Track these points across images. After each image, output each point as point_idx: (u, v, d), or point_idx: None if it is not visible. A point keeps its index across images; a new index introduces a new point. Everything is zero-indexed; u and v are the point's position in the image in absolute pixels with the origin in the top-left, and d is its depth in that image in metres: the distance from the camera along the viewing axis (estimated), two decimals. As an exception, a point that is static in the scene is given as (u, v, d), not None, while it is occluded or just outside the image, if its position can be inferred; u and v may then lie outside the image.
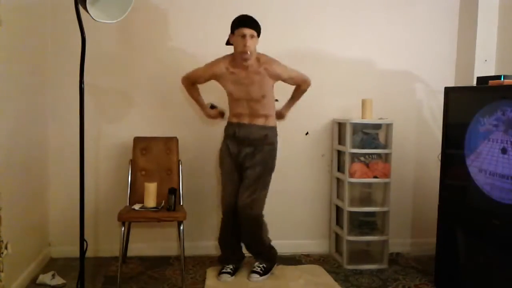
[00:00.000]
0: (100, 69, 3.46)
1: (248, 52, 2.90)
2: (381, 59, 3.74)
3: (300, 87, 3.21)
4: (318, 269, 3.37)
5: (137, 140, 3.40)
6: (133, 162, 3.36)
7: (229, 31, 3.01)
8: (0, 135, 2.62)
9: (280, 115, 3.30)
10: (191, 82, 3.19)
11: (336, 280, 3.18)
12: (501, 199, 2.53)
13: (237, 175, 3.14)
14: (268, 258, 3.24)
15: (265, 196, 3.14)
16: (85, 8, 2.29)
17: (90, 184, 3.45)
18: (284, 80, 3.11)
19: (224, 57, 3.07)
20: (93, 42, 2.67)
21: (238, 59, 2.98)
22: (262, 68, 3.00)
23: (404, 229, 3.82)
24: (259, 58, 3.01)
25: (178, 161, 3.41)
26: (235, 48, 2.98)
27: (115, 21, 2.40)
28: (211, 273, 3.24)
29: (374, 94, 3.57)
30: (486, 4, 3.52)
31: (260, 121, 3.08)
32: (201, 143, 3.62)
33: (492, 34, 3.54)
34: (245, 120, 3.08)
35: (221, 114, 3.35)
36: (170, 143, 3.42)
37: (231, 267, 3.21)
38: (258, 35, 2.98)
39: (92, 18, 2.30)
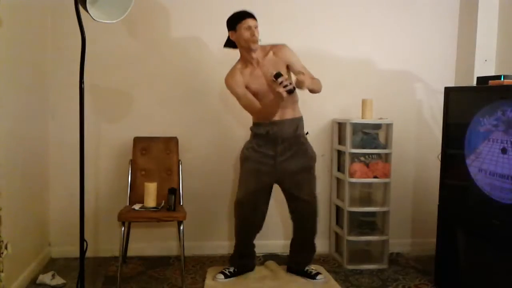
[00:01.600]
0: (100, 69, 3.46)
1: (257, 44, 2.87)
2: (381, 59, 3.74)
3: (319, 87, 3.04)
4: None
5: (137, 140, 3.40)
6: (133, 162, 3.36)
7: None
8: (0, 135, 2.62)
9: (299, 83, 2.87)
10: (257, 106, 2.96)
11: (336, 280, 3.18)
12: (501, 199, 2.53)
13: (266, 173, 3.03)
14: (311, 259, 3.27)
15: (315, 186, 3.15)
16: (85, 8, 2.29)
17: (90, 184, 3.45)
18: (290, 65, 3.00)
19: (233, 67, 3.01)
20: (93, 42, 2.67)
21: (246, 56, 2.95)
22: (271, 52, 2.98)
23: (404, 229, 3.82)
24: (263, 48, 2.99)
25: (178, 161, 3.41)
26: (241, 44, 2.92)
27: (115, 21, 2.39)
28: (211, 273, 3.23)
29: (374, 94, 3.57)
30: (486, 4, 3.52)
31: (289, 114, 3.01)
32: (201, 143, 3.62)
33: (492, 34, 3.54)
34: (276, 117, 2.98)
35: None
36: (170, 143, 3.42)
37: (232, 270, 3.19)
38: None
39: (92, 18, 2.30)
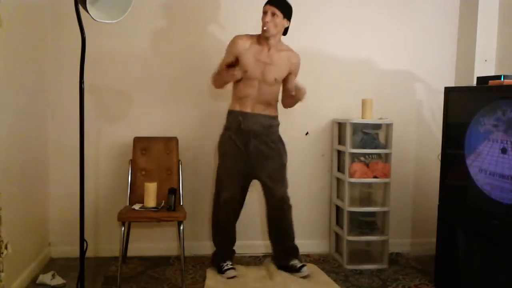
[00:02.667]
0: (100, 69, 3.46)
1: (265, 28, 2.93)
2: (381, 59, 3.74)
3: (290, 99, 3.14)
4: (315, 268, 3.37)
5: (137, 140, 3.40)
6: (133, 162, 3.36)
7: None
8: (0, 135, 2.62)
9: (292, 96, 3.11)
10: (219, 68, 3.10)
11: (336, 280, 3.18)
12: (501, 199, 2.53)
13: (243, 169, 3.12)
14: (297, 254, 3.29)
15: (288, 185, 3.21)
16: (85, 8, 2.28)
17: (90, 184, 3.45)
18: (290, 75, 3.09)
19: (250, 35, 3.08)
20: (93, 42, 2.67)
21: (262, 37, 3.03)
22: (285, 53, 3.06)
23: (404, 229, 3.82)
24: (283, 45, 3.08)
25: (178, 161, 3.41)
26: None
27: (115, 21, 2.39)
28: (211, 273, 3.23)
29: (374, 94, 3.57)
30: (486, 4, 3.52)
31: (262, 109, 3.08)
32: (201, 143, 3.62)
33: (492, 34, 3.55)
34: (248, 109, 3.07)
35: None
36: (170, 143, 3.42)
37: (231, 263, 3.22)
38: (285, 16, 2.98)
39: (92, 18, 2.30)
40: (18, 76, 2.92)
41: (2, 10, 2.49)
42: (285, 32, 3.10)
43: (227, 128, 3.16)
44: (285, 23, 3.02)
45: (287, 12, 3.01)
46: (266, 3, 2.98)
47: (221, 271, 3.19)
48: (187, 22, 3.56)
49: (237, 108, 3.11)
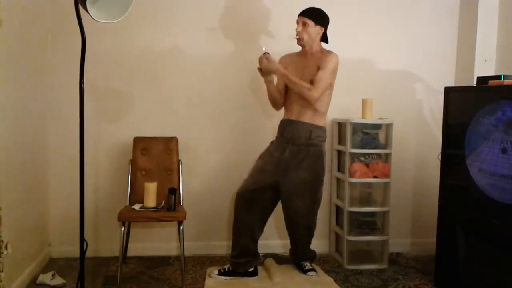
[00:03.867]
0: (100, 69, 3.46)
1: (298, 37, 3.04)
2: (381, 59, 3.75)
3: (297, 90, 3.06)
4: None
5: (137, 140, 3.40)
6: (133, 162, 3.36)
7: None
8: (0, 135, 2.62)
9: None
10: (274, 102, 3.21)
11: (336, 280, 3.18)
12: (501, 199, 2.53)
13: (268, 173, 3.08)
14: (311, 257, 3.33)
15: (317, 206, 3.17)
16: (85, 8, 2.28)
17: (90, 184, 3.45)
18: (319, 68, 3.04)
19: (293, 53, 3.20)
20: (93, 42, 2.67)
21: (302, 48, 3.13)
22: (321, 55, 3.08)
23: (404, 229, 3.82)
24: (323, 50, 3.12)
25: (178, 161, 3.41)
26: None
27: (115, 21, 2.39)
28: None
29: (374, 94, 3.57)
30: (486, 4, 3.52)
31: (307, 118, 3.07)
32: (201, 143, 3.62)
33: (492, 34, 3.55)
34: (293, 116, 3.10)
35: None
36: (170, 143, 3.42)
37: (227, 267, 3.19)
38: (317, 23, 3.05)
39: (92, 18, 2.30)
40: (18, 76, 2.92)
41: (2, 10, 2.49)
42: (324, 38, 3.15)
43: (276, 135, 3.22)
44: (318, 30, 3.07)
45: (318, 19, 3.07)
46: (298, 15, 3.08)
47: (223, 269, 3.19)
48: (187, 22, 3.55)
49: (285, 116, 3.17)
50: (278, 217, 3.59)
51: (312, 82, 3.01)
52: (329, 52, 3.09)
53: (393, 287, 3.13)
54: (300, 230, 3.21)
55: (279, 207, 3.22)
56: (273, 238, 3.63)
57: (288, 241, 3.36)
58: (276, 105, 3.23)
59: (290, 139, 3.08)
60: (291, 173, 3.06)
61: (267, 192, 3.12)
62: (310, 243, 3.29)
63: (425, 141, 3.78)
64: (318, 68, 3.03)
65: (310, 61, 3.09)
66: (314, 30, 3.06)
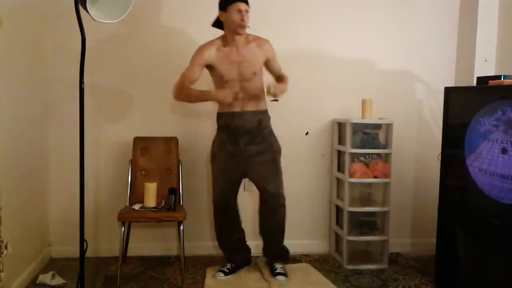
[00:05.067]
0: (100, 69, 3.46)
1: (245, 29, 2.90)
2: (381, 59, 3.74)
3: (281, 78, 3.04)
4: (309, 268, 3.39)
5: (137, 140, 3.40)
6: (133, 162, 3.36)
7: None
8: (0, 135, 2.62)
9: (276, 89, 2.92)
10: (187, 87, 2.98)
11: (336, 280, 3.18)
12: (501, 199, 2.53)
13: (233, 170, 3.09)
14: (285, 258, 3.28)
15: (282, 181, 3.14)
16: (85, 8, 2.29)
17: (90, 184, 3.45)
18: (269, 60, 3.04)
19: (213, 40, 3.02)
20: (93, 42, 2.67)
21: (229, 37, 2.96)
22: (254, 43, 2.99)
23: (404, 229, 3.82)
24: (248, 35, 3.00)
25: (178, 161, 3.41)
26: (228, 25, 2.94)
27: (115, 21, 2.39)
28: (210, 273, 3.24)
29: (374, 94, 3.57)
30: (486, 4, 3.52)
31: (251, 106, 3.02)
32: (201, 143, 3.62)
33: (492, 34, 3.54)
34: (237, 108, 3.01)
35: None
36: (170, 143, 3.42)
37: (229, 266, 3.22)
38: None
39: (92, 18, 2.30)
40: (18, 76, 2.92)
41: (2, 10, 2.49)
42: (219, 24, 3.02)
43: (217, 130, 3.14)
44: None
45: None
46: (239, 0, 2.87)
47: (227, 269, 3.21)
48: (187, 22, 3.55)
49: (225, 109, 3.04)
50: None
51: (255, 73, 2.99)
52: (262, 39, 3.02)
53: (393, 287, 3.13)
54: (275, 213, 3.12)
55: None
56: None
57: (289, 241, 3.34)
58: (181, 100, 3.10)
59: (241, 131, 3.01)
60: (254, 161, 3.05)
61: (237, 186, 3.18)
62: (284, 234, 3.20)
63: (425, 141, 3.78)
64: (266, 60, 3.00)
65: (245, 52, 2.96)
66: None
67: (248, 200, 3.57)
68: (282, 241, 3.25)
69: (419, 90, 3.80)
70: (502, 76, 2.73)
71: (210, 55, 2.98)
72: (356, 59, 3.71)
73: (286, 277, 3.13)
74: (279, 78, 3.09)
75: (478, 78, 2.96)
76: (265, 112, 3.11)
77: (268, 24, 3.51)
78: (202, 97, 2.99)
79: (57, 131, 3.48)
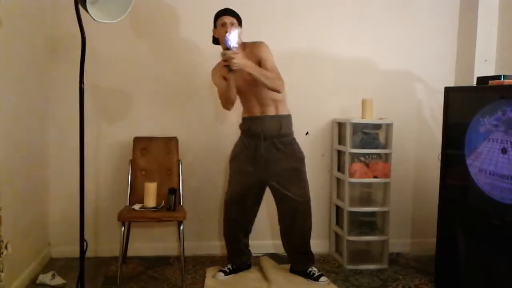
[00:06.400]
0: (100, 69, 3.46)
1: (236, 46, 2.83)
2: (381, 59, 3.74)
3: (271, 84, 2.92)
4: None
5: (137, 140, 3.40)
6: (133, 162, 3.36)
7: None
8: (0, 135, 2.62)
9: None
10: (232, 101, 3.02)
11: (336, 280, 3.18)
12: (501, 199, 2.53)
13: (251, 173, 3.04)
14: (312, 259, 3.24)
15: (308, 188, 3.10)
16: (85, 8, 2.29)
17: (90, 184, 3.45)
18: (261, 61, 2.95)
19: (219, 63, 3.01)
20: (93, 42, 2.67)
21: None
22: (248, 50, 2.97)
23: (404, 229, 3.82)
24: (245, 45, 2.99)
25: (178, 161, 3.41)
26: (220, 40, 2.98)
27: (115, 21, 2.39)
28: (210, 273, 3.24)
29: (374, 94, 3.57)
30: (486, 4, 3.52)
31: (271, 110, 3.02)
32: (201, 143, 3.62)
33: (492, 34, 3.54)
34: (256, 113, 3.03)
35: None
36: (170, 143, 3.42)
37: (230, 267, 3.22)
38: (240, 24, 2.98)
39: (92, 18, 2.30)
40: (18, 76, 2.92)
41: (2, 10, 2.49)
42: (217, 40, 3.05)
43: (241, 134, 3.15)
44: (241, 30, 2.95)
45: (240, 20, 2.99)
46: (222, 14, 2.96)
47: (228, 269, 3.22)
48: (187, 22, 3.56)
49: (246, 114, 3.10)
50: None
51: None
52: (254, 43, 2.99)
53: (393, 287, 3.13)
54: (300, 222, 3.09)
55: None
56: (274, 238, 3.62)
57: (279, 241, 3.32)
58: (231, 104, 3.04)
59: (261, 135, 3.01)
60: (273, 168, 3.02)
61: (253, 191, 3.12)
62: (310, 238, 3.18)
63: (425, 141, 3.78)
64: (258, 60, 2.92)
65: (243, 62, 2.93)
66: (240, 30, 2.93)
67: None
68: (309, 245, 3.21)
69: (419, 90, 3.80)
70: (502, 76, 2.73)
71: (218, 73, 3.04)
72: (356, 59, 3.71)
73: (327, 277, 3.14)
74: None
75: (478, 78, 2.96)
76: (286, 117, 3.08)
77: (268, 24, 3.51)
78: (228, 83, 2.96)
79: (57, 131, 3.48)
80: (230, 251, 3.28)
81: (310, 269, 3.17)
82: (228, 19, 2.93)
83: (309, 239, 3.18)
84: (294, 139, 3.11)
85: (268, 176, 3.05)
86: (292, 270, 3.25)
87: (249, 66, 2.81)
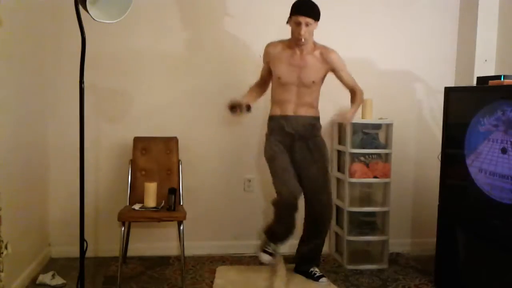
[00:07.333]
0: (100, 69, 3.46)
1: (303, 40, 2.88)
2: (381, 59, 3.74)
3: (354, 93, 3.04)
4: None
5: (137, 140, 3.40)
6: (133, 162, 3.36)
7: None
8: (0, 135, 2.62)
9: (343, 117, 3.00)
10: (256, 82, 3.10)
11: (336, 280, 3.18)
12: (501, 199, 2.53)
13: (293, 172, 2.99)
14: (318, 261, 3.27)
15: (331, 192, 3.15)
16: (85, 8, 2.29)
17: (90, 184, 3.45)
18: (336, 71, 3.01)
19: (282, 40, 3.01)
20: (93, 42, 2.67)
21: (293, 41, 2.95)
22: (318, 51, 2.98)
23: (404, 229, 3.82)
24: (315, 44, 3.00)
25: (178, 161, 3.41)
26: (291, 34, 2.94)
27: (115, 21, 2.39)
28: (220, 272, 3.24)
29: (374, 94, 3.57)
30: (486, 4, 3.52)
31: (304, 111, 3.02)
32: (201, 143, 3.62)
33: (492, 34, 3.54)
34: (290, 112, 3.00)
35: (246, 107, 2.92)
36: (170, 143, 3.42)
37: (273, 248, 3.09)
38: (317, 20, 2.90)
39: (92, 18, 2.30)
40: (18, 76, 2.92)
41: (2, 10, 2.49)
42: None
43: (270, 133, 3.07)
44: (316, 25, 2.93)
45: (318, 16, 2.92)
46: (299, 13, 2.84)
47: (261, 249, 3.10)
48: (187, 21, 3.55)
49: (278, 112, 3.04)
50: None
51: (314, 82, 2.99)
52: (328, 48, 3.01)
53: (393, 287, 3.13)
54: (326, 223, 3.12)
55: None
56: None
57: (288, 241, 3.32)
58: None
59: (295, 134, 3.02)
60: (308, 169, 3.03)
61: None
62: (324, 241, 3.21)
63: (425, 141, 3.78)
64: (330, 69, 2.99)
65: (309, 59, 2.98)
66: (314, 27, 2.92)
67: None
68: (323, 243, 3.22)
69: (419, 90, 3.80)
70: (502, 76, 2.73)
71: (273, 52, 3.01)
72: (356, 59, 3.70)
73: (327, 278, 3.14)
74: (352, 92, 3.05)
75: (478, 78, 2.96)
76: (317, 119, 3.10)
77: (268, 24, 3.51)
78: (255, 93, 3.14)
79: (57, 131, 3.48)
80: (275, 235, 3.08)
81: (312, 269, 3.18)
82: (303, 20, 2.83)
83: (324, 242, 3.22)
84: (323, 141, 3.13)
85: (302, 176, 3.03)
86: (297, 270, 3.26)
87: (354, 111, 2.98)
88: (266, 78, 3.12)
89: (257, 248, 3.18)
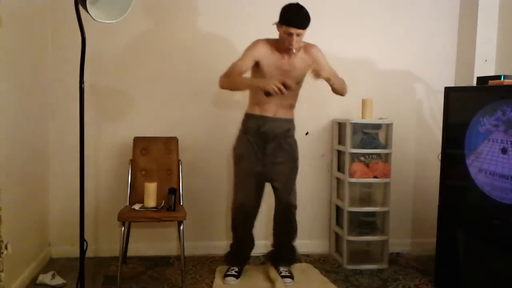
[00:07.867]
0: (100, 69, 3.46)
1: (294, 50, 2.88)
2: (381, 59, 3.74)
3: (334, 89, 3.00)
4: (309, 268, 3.40)
5: (137, 140, 3.40)
6: (133, 162, 3.36)
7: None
8: (0, 135, 2.62)
9: (317, 73, 2.82)
10: (235, 75, 2.89)
11: (336, 280, 3.18)
12: (501, 199, 2.53)
13: (259, 174, 3.04)
14: (292, 261, 3.28)
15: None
16: (85, 8, 2.29)
17: (90, 184, 3.45)
18: (317, 64, 2.95)
19: (271, 39, 2.96)
20: (93, 42, 2.67)
21: (283, 44, 2.90)
22: (302, 50, 2.97)
23: (404, 229, 3.82)
24: (304, 45, 2.99)
25: (178, 161, 3.41)
26: (280, 39, 2.90)
27: (115, 21, 2.39)
28: (220, 273, 3.24)
29: (374, 94, 3.57)
30: (486, 4, 3.52)
31: (284, 113, 3.03)
32: (201, 143, 3.62)
33: (492, 34, 3.55)
34: (270, 113, 3.00)
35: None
36: (170, 143, 3.42)
37: (236, 269, 3.19)
38: (307, 27, 2.86)
39: (92, 18, 2.30)
40: (18, 76, 2.92)
41: (2, 10, 2.49)
42: None
43: (244, 131, 3.07)
44: (305, 32, 2.88)
45: (308, 25, 2.87)
46: (292, 25, 2.78)
47: (225, 274, 3.17)
48: (188, 22, 3.56)
49: (257, 112, 3.02)
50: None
51: (298, 83, 2.99)
52: (308, 43, 2.99)
53: (393, 287, 3.13)
54: (292, 217, 3.13)
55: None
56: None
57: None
58: (230, 90, 3.00)
59: (270, 136, 3.01)
60: (280, 169, 3.05)
61: (261, 189, 3.13)
62: (295, 239, 3.22)
63: (425, 141, 3.78)
64: (310, 66, 2.91)
65: (296, 63, 2.96)
66: (304, 34, 2.88)
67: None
68: (292, 246, 3.23)
69: (419, 90, 3.80)
70: (502, 76, 2.73)
71: (263, 52, 2.93)
72: (356, 59, 3.71)
73: (293, 279, 3.12)
74: (330, 82, 2.94)
75: (478, 78, 2.96)
76: (292, 120, 3.12)
77: (268, 23, 3.50)
78: (248, 84, 3.03)
79: (57, 131, 3.48)
80: (239, 248, 3.21)
81: (280, 267, 3.20)
82: (295, 31, 2.78)
83: (295, 235, 3.22)
84: (296, 141, 3.14)
85: (274, 176, 3.06)
86: (270, 259, 3.30)
87: (333, 75, 2.91)
88: (245, 73, 2.98)
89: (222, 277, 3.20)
